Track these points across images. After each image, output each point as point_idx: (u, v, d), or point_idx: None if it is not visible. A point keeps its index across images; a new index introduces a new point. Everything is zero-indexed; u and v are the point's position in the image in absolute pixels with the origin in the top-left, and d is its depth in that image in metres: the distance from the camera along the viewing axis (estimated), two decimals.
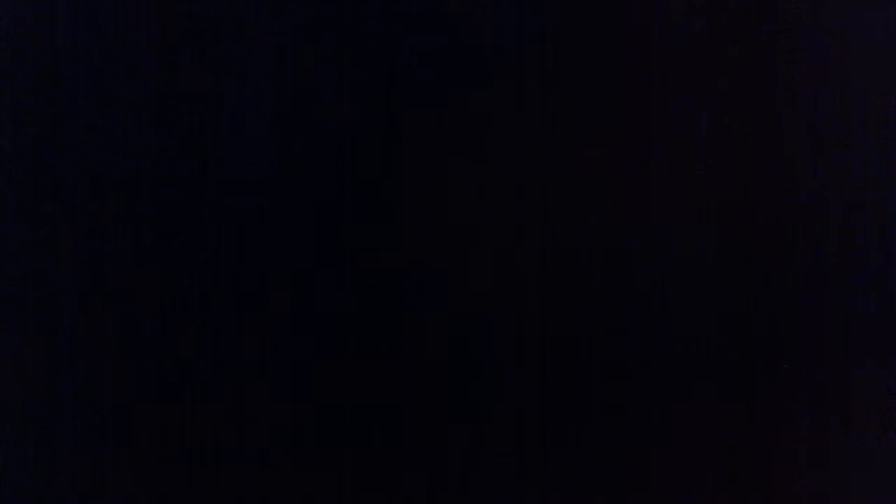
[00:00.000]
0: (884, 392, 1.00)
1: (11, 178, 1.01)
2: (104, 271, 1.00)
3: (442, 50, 1.00)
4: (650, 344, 0.99)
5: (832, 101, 1.01)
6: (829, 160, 1.01)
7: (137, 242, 1.00)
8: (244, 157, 1.00)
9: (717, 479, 1.00)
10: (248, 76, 1.00)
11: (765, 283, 1.00)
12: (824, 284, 1.00)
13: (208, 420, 0.99)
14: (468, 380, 0.99)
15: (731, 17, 1.01)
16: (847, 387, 1.00)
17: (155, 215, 1.00)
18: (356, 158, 1.00)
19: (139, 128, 1.00)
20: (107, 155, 1.00)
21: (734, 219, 1.00)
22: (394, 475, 0.99)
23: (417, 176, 1.00)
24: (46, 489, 1.00)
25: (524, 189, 1.00)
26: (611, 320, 0.99)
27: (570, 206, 1.00)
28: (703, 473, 0.99)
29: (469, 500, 0.99)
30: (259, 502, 0.99)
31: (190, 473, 0.99)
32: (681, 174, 1.00)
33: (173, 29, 1.01)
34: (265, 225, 1.00)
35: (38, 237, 1.00)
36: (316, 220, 1.00)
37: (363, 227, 1.00)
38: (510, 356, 0.99)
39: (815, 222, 1.01)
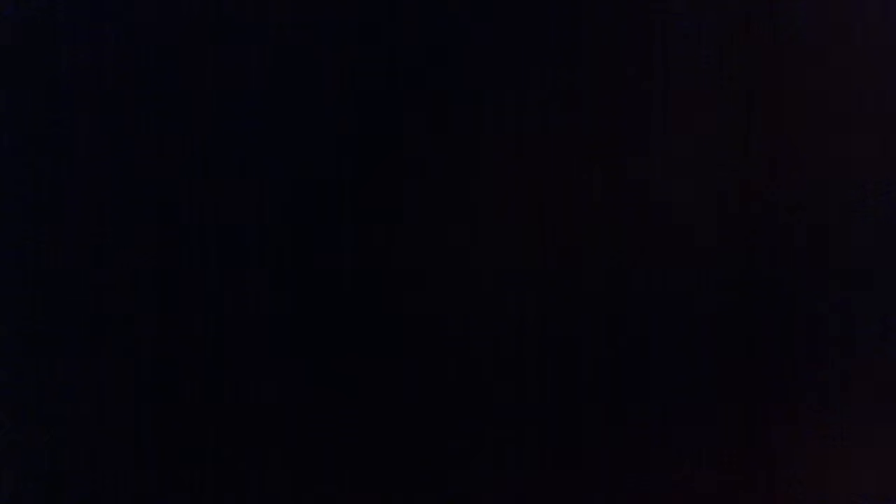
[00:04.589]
0: (884, 389, 1.01)
1: (11, 177, 1.01)
2: (103, 270, 1.00)
3: (442, 49, 1.00)
4: (651, 345, 0.99)
5: (832, 101, 1.02)
6: (829, 160, 1.01)
7: (137, 242, 1.00)
8: (243, 158, 1.00)
9: (717, 480, 1.00)
10: (247, 75, 1.00)
11: (765, 282, 1.00)
12: (824, 285, 1.01)
13: (208, 421, 0.99)
14: (468, 381, 0.99)
15: (731, 17, 1.01)
16: (847, 385, 1.00)
17: (154, 216, 1.00)
18: (356, 159, 1.00)
19: (139, 127, 1.01)
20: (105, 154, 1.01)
21: (735, 218, 1.00)
22: (393, 476, 0.99)
23: (417, 176, 1.00)
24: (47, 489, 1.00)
25: (524, 189, 1.00)
26: (611, 320, 0.99)
27: (570, 206, 1.00)
28: (704, 474, 1.00)
29: (469, 501, 0.99)
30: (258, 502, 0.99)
31: (188, 476, 0.99)
32: (681, 174, 1.00)
33: (173, 28, 1.01)
34: (264, 225, 1.00)
35: (38, 237, 1.01)
36: (315, 221, 1.00)
37: (363, 227, 1.00)
38: (510, 358, 0.99)
39: (815, 222, 1.01)
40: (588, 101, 1.00)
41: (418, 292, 0.99)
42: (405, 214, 1.00)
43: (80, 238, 1.00)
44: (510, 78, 1.00)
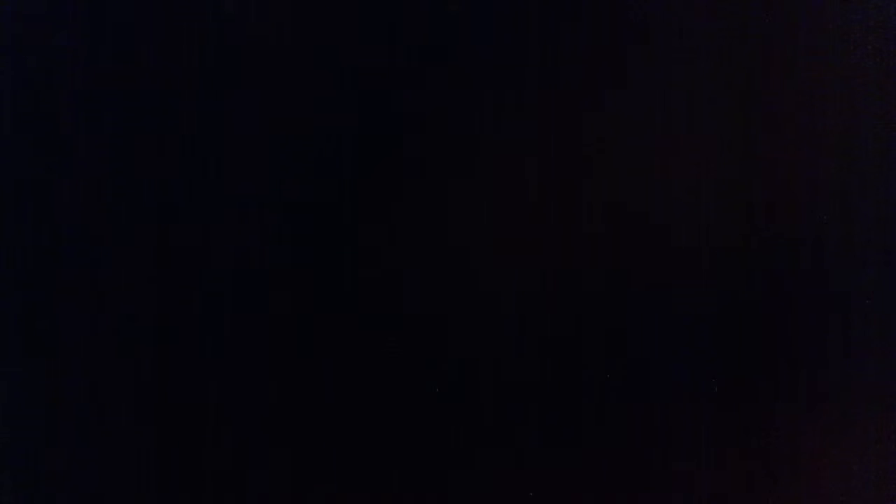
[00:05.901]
0: (884, 392, 1.00)
1: (11, 177, 1.01)
2: (103, 271, 1.00)
3: (441, 49, 1.00)
4: (650, 347, 0.99)
5: (832, 101, 1.01)
6: (830, 160, 1.01)
7: (138, 243, 1.00)
8: (243, 158, 1.00)
9: (716, 482, 1.00)
10: (246, 75, 1.00)
11: (765, 283, 1.00)
12: (824, 284, 1.00)
13: (205, 420, 0.99)
14: (467, 381, 0.99)
15: (731, 16, 1.01)
16: (847, 387, 1.00)
17: (155, 216, 1.00)
18: (356, 159, 1.00)
19: (138, 127, 1.00)
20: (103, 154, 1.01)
21: (734, 218, 1.00)
22: (391, 476, 0.99)
23: (417, 176, 1.00)
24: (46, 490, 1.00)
25: (524, 189, 1.00)
26: (610, 320, 0.99)
27: (569, 206, 1.00)
28: (703, 476, 1.00)
29: (469, 500, 0.99)
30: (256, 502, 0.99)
31: (187, 478, 0.99)
32: (681, 173, 1.00)
33: (173, 28, 1.01)
34: (264, 226, 1.00)
35: (38, 237, 1.00)
36: (315, 221, 1.00)
37: (362, 227, 1.00)
38: (510, 357, 0.99)
39: (814, 222, 1.01)
40: (588, 100, 1.00)
41: (418, 292, 0.99)
42: (405, 214, 1.00)
43: (80, 238, 1.00)
44: (510, 79, 1.00)
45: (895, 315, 1.01)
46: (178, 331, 0.99)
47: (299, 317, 0.99)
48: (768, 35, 1.01)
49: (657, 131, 1.00)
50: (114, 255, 1.00)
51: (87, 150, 1.01)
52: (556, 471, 0.99)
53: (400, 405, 0.99)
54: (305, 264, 0.99)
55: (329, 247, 1.00)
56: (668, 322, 0.99)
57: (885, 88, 1.01)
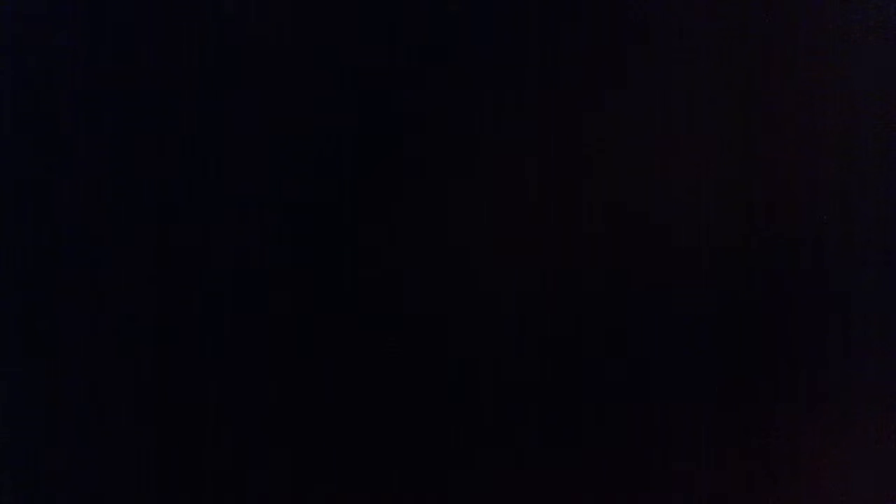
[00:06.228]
0: (884, 392, 1.00)
1: (11, 178, 1.01)
2: (103, 271, 1.00)
3: (441, 49, 1.00)
4: (650, 347, 0.99)
5: (832, 100, 1.01)
6: (830, 160, 1.01)
7: (138, 242, 1.00)
8: (243, 158, 1.00)
9: (716, 482, 1.00)
10: (246, 75, 1.00)
11: (765, 283, 1.00)
12: (824, 284, 1.00)
13: (205, 420, 0.99)
14: (467, 381, 0.99)
15: (731, 16, 1.01)
16: (847, 387, 1.00)
17: (155, 216, 1.00)
18: (356, 159, 1.00)
19: (138, 127, 1.00)
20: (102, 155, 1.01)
21: (734, 218, 1.00)
22: (390, 477, 0.99)
23: (417, 176, 1.00)
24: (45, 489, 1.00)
25: (524, 189, 1.00)
26: (610, 320, 0.99)
27: (569, 206, 1.00)
28: (703, 476, 1.00)
29: (468, 500, 0.99)
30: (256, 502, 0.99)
31: (185, 479, 0.99)
32: (681, 173, 1.00)
33: (174, 28, 1.01)
34: (264, 226, 1.00)
35: (38, 237, 1.00)
36: (315, 221, 1.00)
37: (362, 227, 1.00)
38: (510, 357, 0.99)
39: (814, 222, 1.01)
40: (588, 100, 1.00)
41: (418, 292, 0.99)
42: (405, 214, 1.00)
43: (80, 238, 1.00)
44: (510, 79, 1.00)
45: (895, 315, 1.01)
46: (178, 331, 0.99)
47: (299, 317, 0.99)
48: (768, 35, 1.01)
49: (657, 131, 1.00)
50: (114, 255, 1.00)
51: (87, 150, 1.01)
52: (556, 471, 0.99)
53: (400, 405, 0.99)
54: (305, 264, 0.99)
55: (329, 247, 1.00)
56: (668, 322, 0.99)
57: (885, 88, 1.01)
